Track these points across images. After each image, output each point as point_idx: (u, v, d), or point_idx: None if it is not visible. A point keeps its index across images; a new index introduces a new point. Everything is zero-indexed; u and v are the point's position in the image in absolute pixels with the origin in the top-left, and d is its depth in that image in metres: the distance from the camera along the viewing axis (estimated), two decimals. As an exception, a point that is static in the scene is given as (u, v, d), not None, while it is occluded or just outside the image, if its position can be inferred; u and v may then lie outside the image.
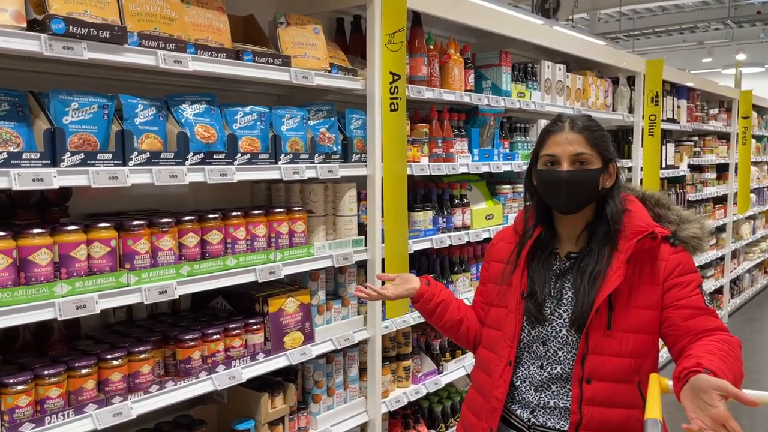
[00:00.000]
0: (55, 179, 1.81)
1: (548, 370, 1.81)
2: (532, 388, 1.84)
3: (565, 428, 1.78)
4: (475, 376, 2.02)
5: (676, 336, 1.75)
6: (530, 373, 1.85)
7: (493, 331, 1.96)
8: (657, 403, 1.53)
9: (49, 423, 1.86)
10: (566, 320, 1.80)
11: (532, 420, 1.83)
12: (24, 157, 1.77)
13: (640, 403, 1.73)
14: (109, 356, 2.03)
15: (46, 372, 1.88)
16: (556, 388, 1.81)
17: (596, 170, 1.79)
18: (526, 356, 1.86)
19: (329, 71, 2.65)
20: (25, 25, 1.76)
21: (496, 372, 1.88)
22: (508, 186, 3.86)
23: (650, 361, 1.79)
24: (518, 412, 1.86)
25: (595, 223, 1.85)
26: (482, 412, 1.90)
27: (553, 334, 1.82)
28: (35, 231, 1.84)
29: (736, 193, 7.37)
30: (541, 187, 1.86)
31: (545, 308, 1.83)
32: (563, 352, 1.80)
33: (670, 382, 1.61)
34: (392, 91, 2.76)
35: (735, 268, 7.85)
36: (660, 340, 1.82)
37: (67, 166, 1.85)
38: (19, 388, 1.82)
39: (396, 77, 2.77)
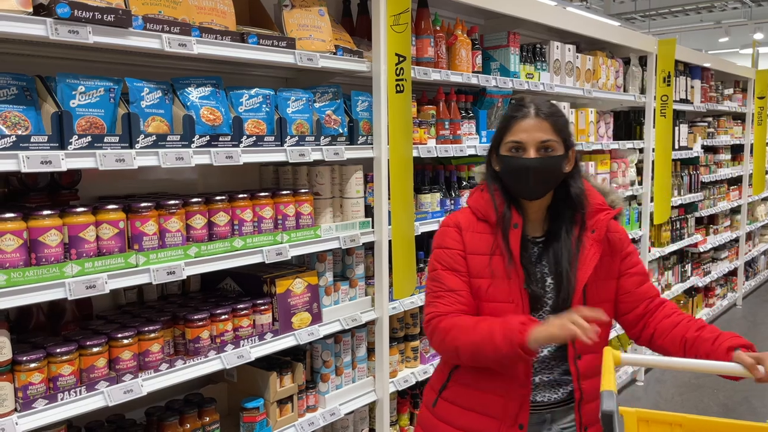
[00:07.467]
0: (63, 161, 1.84)
1: (542, 350, 1.84)
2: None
3: (562, 399, 1.84)
4: (480, 379, 1.82)
5: (633, 302, 1.88)
6: None
7: None
8: (611, 374, 1.57)
9: (62, 399, 1.91)
10: (550, 305, 1.82)
11: (533, 398, 1.85)
12: (32, 140, 1.80)
13: None
14: (119, 335, 2.07)
15: (58, 350, 1.92)
16: (553, 365, 1.86)
17: (561, 157, 1.80)
18: None
19: (334, 53, 2.65)
20: (31, 9, 1.78)
21: (518, 369, 1.78)
22: (517, 168, 3.84)
23: (610, 325, 1.91)
24: None
25: (554, 206, 1.87)
26: (505, 410, 1.79)
27: (543, 317, 1.82)
28: (45, 212, 1.87)
29: (752, 174, 7.29)
30: (506, 174, 1.81)
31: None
32: None
33: (623, 354, 1.67)
34: (398, 72, 2.77)
35: (750, 250, 7.78)
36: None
37: (74, 149, 1.88)
38: (32, 365, 1.87)
39: (401, 59, 2.77)
